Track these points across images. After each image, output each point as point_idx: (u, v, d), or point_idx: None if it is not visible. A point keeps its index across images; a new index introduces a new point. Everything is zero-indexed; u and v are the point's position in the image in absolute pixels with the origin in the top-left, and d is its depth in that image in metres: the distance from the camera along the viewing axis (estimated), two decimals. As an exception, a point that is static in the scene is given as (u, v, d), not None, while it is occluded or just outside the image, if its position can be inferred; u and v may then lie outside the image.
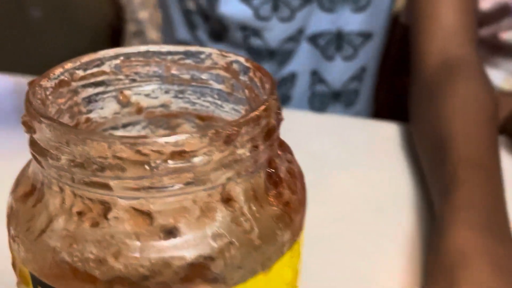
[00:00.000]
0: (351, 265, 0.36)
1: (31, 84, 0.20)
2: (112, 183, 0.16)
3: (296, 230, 0.20)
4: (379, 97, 0.75)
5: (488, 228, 0.33)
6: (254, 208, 0.18)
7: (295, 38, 0.64)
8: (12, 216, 0.19)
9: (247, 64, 0.22)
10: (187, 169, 0.16)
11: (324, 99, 0.69)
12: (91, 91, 0.22)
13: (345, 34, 0.65)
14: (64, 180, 0.17)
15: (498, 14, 0.66)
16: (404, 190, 0.45)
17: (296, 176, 0.20)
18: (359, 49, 0.66)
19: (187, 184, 0.17)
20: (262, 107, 0.18)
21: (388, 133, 0.54)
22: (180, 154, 0.16)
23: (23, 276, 0.19)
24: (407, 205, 0.43)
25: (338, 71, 0.67)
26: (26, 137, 0.18)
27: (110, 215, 0.17)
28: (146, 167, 0.16)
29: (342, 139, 0.53)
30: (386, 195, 0.44)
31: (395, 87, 0.76)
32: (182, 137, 0.16)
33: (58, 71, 0.21)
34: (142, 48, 0.23)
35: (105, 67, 0.22)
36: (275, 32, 0.64)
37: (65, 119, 0.22)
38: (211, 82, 0.23)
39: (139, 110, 0.24)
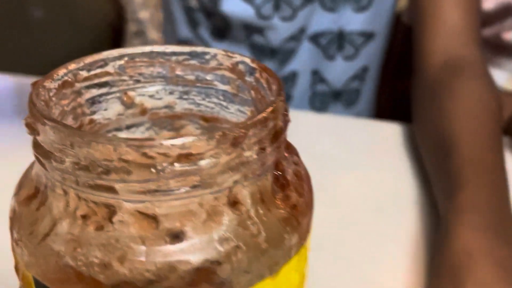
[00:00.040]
0: (354, 266, 0.36)
1: (34, 85, 0.19)
2: (117, 186, 0.16)
3: (303, 233, 0.19)
4: (381, 100, 0.75)
5: (492, 229, 0.32)
6: (261, 211, 0.18)
7: (296, 37, 0.64)
8: (15, 219, 0.19)
9: (253, 65, 0.21)
10: (194, 172, 0.16)
11: (325, 99, 0.69)
12: (95, 92, 0.22)
13: (347, 34, 0.65)
14: (68, 183, 0.17)
15: (501, 14, 0.66)
16: (406, 191, 0.45)
17: (303, 179, 0.20)
18: (360, 49, 0.66)
19: (194, 187, 0.16)
20: (270, 109, 0.18)
21: (389, 133, 0.54)
22: (186, 156, 0.16)
23: (26, 281, 0.19)
24: (410, 206, 0.43)
25: (339, 71, 0.67)
26: (28, 137, 0.18)
27: (115, 219, 0.17)
28: (152, 170, 0.16)
29: (343, 139, 0.53)
30: (388, 195, 0.44)
31: (397, 90, 0.76)
32: (189, 140, 0.16)
33: (61, 72, 0.21)
34: (146, 48, 0.23)
35: (109, 68, 0.22)
36: (277, 31, 0.63)
37: (69, 120, 0.21)
38: (216, 83, 0.23)
39: (143, 111, 0.24)
